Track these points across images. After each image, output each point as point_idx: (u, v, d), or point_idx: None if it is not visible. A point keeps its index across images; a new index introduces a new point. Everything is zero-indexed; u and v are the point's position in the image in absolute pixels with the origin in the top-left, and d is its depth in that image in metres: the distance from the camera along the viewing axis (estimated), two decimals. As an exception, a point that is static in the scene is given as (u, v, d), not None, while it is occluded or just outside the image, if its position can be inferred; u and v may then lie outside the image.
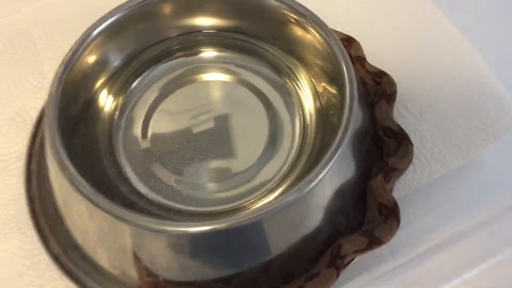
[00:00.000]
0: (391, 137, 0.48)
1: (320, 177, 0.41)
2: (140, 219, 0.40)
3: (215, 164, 0.50)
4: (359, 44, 0.54)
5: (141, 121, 0.52)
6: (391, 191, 0.47)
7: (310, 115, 0.52)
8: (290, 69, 0.54)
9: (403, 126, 0.49)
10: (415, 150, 0.50)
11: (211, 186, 0.49)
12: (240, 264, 0.43)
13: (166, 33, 0.55)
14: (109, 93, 0.53)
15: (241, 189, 0.48)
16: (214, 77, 0.55)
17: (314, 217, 0.43)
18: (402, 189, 0.50)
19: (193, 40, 0.56)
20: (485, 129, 0.52)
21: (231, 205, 0.48)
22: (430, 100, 0.54)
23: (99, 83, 0.53)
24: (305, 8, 0.50)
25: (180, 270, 0.42)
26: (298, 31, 0.51)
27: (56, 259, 0.47)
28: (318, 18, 0.49)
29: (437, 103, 0.54)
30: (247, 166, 0.49)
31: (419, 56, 0.57)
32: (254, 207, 0.47)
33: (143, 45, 0.55)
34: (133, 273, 0.44)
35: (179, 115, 0.53)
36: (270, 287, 0.44)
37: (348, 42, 0.54)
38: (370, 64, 0.53)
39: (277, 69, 0.54)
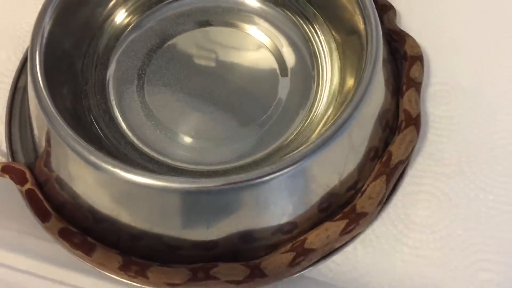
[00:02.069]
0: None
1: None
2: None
3: (208, 118, 0.46)
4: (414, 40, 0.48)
5: (142, 57, 0.48)
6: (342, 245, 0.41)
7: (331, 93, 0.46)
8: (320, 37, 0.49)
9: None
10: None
11: (190, 141, 0.45)
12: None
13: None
14: (115, 18, 0.49)
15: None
16: (241, 26, 0.50)
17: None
18: (318, 273, 0.42)
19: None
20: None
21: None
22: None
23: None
24: None
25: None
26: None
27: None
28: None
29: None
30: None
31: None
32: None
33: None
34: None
35: (186, 58, 0.48)
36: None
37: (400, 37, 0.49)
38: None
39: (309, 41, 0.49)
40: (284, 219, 0.40)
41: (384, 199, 0.42)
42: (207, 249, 0.40)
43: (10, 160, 0.44)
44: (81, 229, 0.41)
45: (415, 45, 0.48)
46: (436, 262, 0.42)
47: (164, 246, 0.40)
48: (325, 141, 0.38)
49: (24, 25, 0.53)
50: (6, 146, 0.45)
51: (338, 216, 0.41)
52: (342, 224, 0.40)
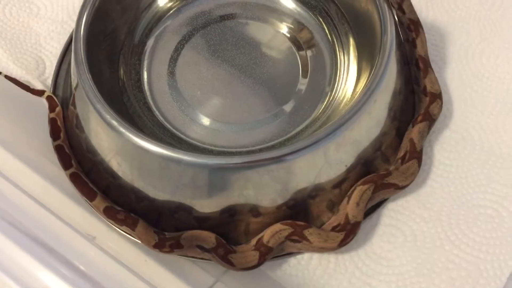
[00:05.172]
0: None
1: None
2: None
3: (229, 104, 0.50)
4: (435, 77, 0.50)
5: (184, 33, 0.53)
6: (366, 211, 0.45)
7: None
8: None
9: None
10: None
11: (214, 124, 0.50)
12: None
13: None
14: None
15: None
16: (273, 23, 0.54)
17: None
18: (269, 267, 0.45)
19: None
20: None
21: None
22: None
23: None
24: None
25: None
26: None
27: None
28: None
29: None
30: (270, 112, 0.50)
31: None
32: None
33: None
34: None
35: (220, 45, 0.52)
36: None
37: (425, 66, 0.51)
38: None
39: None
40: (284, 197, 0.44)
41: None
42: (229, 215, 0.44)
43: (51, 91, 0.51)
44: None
45: (435, 81, 0.50)
46: (379, 293, 0.45)
47: (193, 219, 0.44)
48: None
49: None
50: (52, 79, 0.52)
51: (337, 228, 0.44)
52: (340, 236, 0.44)
